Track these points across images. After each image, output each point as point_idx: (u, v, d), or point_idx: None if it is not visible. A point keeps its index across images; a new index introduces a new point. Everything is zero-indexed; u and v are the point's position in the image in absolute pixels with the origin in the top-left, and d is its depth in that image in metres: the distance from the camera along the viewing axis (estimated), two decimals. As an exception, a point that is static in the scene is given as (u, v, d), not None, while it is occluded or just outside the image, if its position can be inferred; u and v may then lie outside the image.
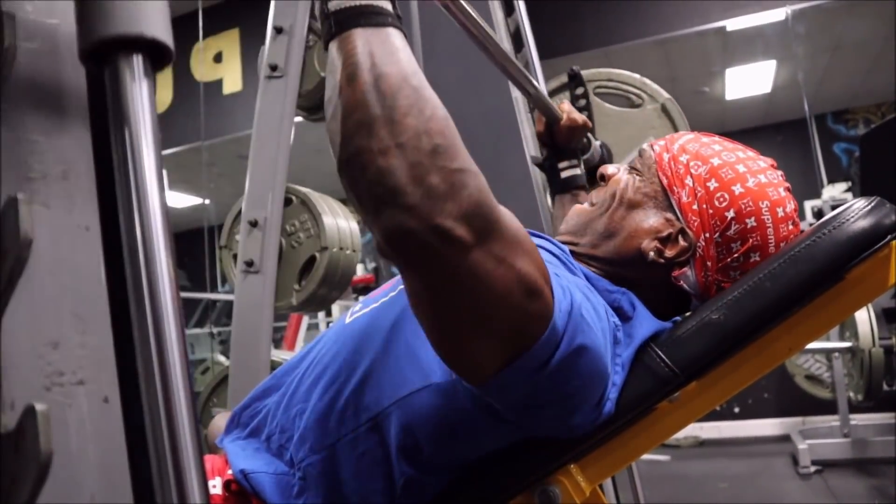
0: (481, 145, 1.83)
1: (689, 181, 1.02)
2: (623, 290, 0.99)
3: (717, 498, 4.04)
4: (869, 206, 0.94)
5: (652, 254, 1.02)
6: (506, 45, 2.00)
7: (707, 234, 1.00)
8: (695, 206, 1.01)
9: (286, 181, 1.75)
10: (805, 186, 5.72)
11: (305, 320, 5.47)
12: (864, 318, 4.07)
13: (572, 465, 0.91)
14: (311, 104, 1.95)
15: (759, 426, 6.23)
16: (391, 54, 0.67)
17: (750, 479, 4.51)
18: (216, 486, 0.94)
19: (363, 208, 0.67)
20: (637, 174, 1.09)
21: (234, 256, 1.81)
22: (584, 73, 1.84)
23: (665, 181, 1.05)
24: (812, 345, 4.36)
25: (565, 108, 1.48)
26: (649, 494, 2.29)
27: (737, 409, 6.42)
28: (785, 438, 5.33)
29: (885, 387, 4.10)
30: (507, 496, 0.91)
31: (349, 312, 1.05)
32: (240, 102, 5.63)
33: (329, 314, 5.94)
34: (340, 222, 1.91)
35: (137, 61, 0.45)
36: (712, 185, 1.01)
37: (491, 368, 0.75)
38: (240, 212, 1.80)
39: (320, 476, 0.90)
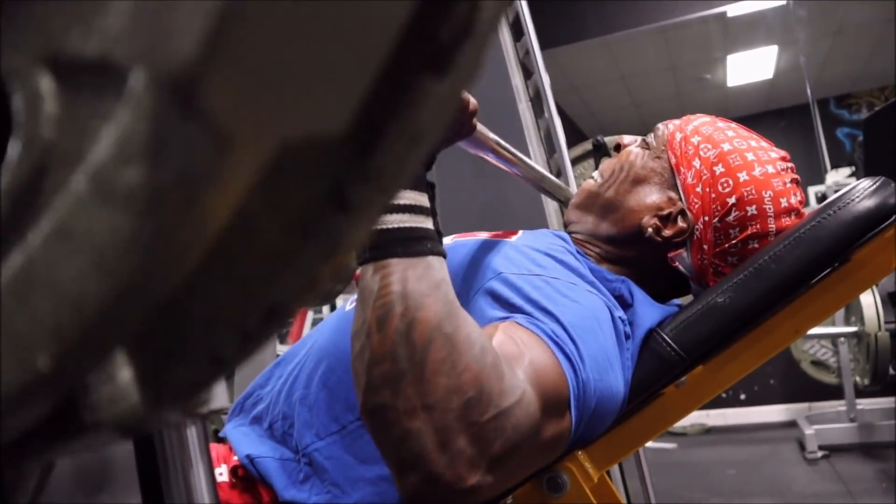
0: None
1: (696, 163, 1.03)
2: (622, 278, 0.98)
3: (724, 484, 4.04)
4: (874, 186, 0.94)
5: (650, 230, 1.02)
6: (507, 36, 1.99)
7: (706, 218, 1.01)
8: (698, 189, 1.01)
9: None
10: (808, 172, 5.71)
11: (310, 314, 5.46)
12: (870, 302, 4.06)
13: (580, 452, 0.90)
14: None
15: (766, 412, 6.22)
16: (428, 295, 0.64)
17: (757, 466, 4.51)
18: (223, 474, 0.94)
19: (386, 459, 0.66)
20: (648, 150, 1.09)
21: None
22: (606, 139, 1.84)
23: (673, 160, 1.05)
24: (817, 330, 4.35)
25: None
26: (657, 482, 2.29)
27: (743, 396, 6.41)
28: (791, 424, 5.34)
29: (892, 371, 4.09)
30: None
31: (349, 300, 1.05)
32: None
33: (333, 308, 5.95)
34: (343, 215, 1.91)
35: None
36: (718, 169, 1.01)
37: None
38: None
39: (325, 462, 0.90)
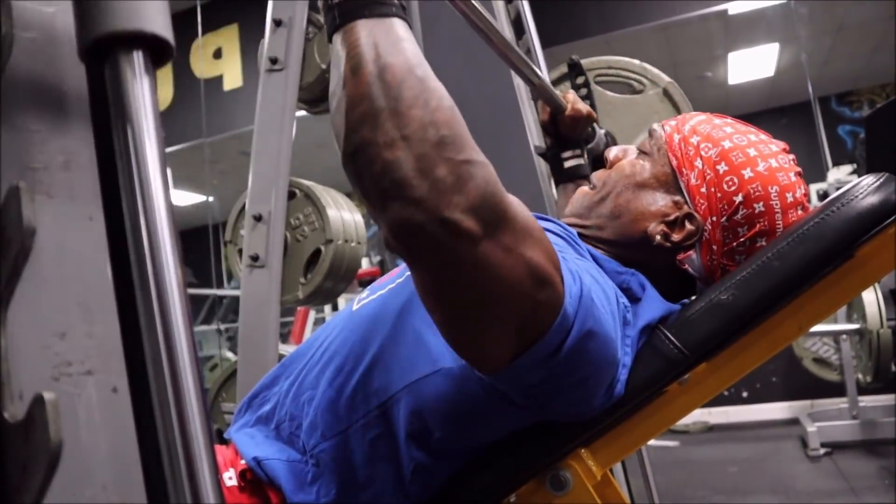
0: (484, 133, 1.82)
1: (698, 163, 1.02)
2: (632, 271, 0.98)
3: (727, 482, 4.04)
4: (877, 183, 0.94)
5: (658, 237, 1.01)
6: (507, 34, 1.99)
7: (714, 218, 1.00)
8: (703, 189, 1.01)
9: (289, 175, 1.75)
10: (810, 169, 5.69)
11: (312, 314, 5.48)
12: (872, 299, 4.06)
13: (583, 450, 0.90)
14: (312, 97, 1.94)
15: (768, 410, 6.22)
16: (395, 45, 0.67)
17: (759, 463, 4.51)
18: (232, 478, 0.94)
19: (369, 202, 0.67)
20: (646, 156, 1.08)
21: (240, 252, 1.81)
22: (583, 61, 1.83)
23: (675, 162, 1.04)
24: (820, 327, 4.35)
25: (569, 97, 1.47)
26: (659, 480, 2.29)
27: (745, 394, 6.41)
28: (794, 422, 5.33)
29: (894, 368, 4.09)
30: (519, 481, 0.91)
31: (356, 300, 1.05)
32: (241, 98, 5.63)
33: (335, 307, 5.95)
34: (345, 215, 1.91)
35: (138, 58, 0.44)
36: (722, 168, 1.00)
37: (503, 358, 0.75)
38: (244, 207, 1.80)
39: (333, 462, 0.90)
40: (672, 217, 1.02)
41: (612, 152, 1.13)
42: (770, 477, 4.05)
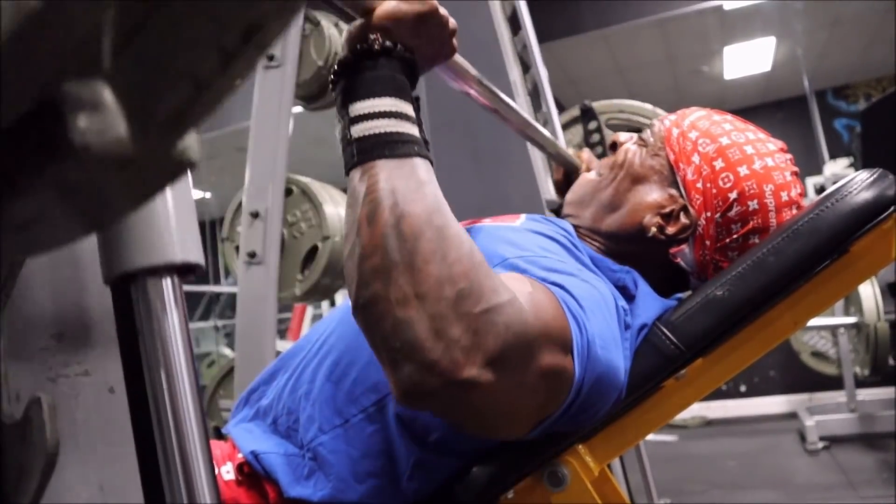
0: (482, 133, 1.83)
1: (695, 158, 1.02)
2: (627, 268, 0.98)
3: (725, 476, 4.05)
4: (871, 178, 0.94)
5: (653, 229, 1.02)
6: (504, 32, 1.98)
7: (708, 214, 1.00)
8: (699, 185, 1.01)
9: (286, 171, 1.75)
10: (807, 163, 5.71)
11: (310, 310, 5.48)
12: (869, 293, 4.07)
13: (580, 446, 0.91)
14: (308, 93, 1.94)
15: (766, 404, 6.23)
16: (415, 191, 0.65)
17: (758, 457, 4.52)
18: (230, 472, 0.94)
19: (379, 357, 0.65)
20: (645, 148, 1.09)
21: (237, 248, 1.81)
22: (594, 105, 1.84)
23: (672, 156, 1.04)
24: (817, 321, 4.36)
25: (584, 157, 1.48)
26: (657, 474, 2.30)
27: (743, 388, 6.43)
28: (792, 415, 5.35)
29: (891, 361, 4.10)
30: (516, 477, 0.91)
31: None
32: (238, 94, 5.59)
33: (333, 304, 5.95)
34: (342, 211, 1.91)
35: (167, 285, 0.42)
36: (718, 164, 1.00)
37: (523, 434, 0.76)
38: (241, 204, 1.80)
39: (330, 456, 0.90)
40: (668, 209, 1.03)
41: (620, 137, 1.14)
42: (768, 471, 4.06)
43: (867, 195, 0.92)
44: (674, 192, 1.04)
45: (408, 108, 0.70)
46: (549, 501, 0.89)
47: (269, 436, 0.97)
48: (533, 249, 0.89)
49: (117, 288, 0.43)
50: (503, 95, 1.07)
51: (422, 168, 0.67)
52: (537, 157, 1.83)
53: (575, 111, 1.91)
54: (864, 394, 4.81)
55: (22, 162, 0.22)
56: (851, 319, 4.30)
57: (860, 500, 3.26)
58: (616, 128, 2.02)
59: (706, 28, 5.41)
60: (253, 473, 0.94)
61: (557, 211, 1.59)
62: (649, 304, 0.96)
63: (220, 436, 1.06)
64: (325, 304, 5.87)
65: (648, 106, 2.05)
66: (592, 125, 1.76)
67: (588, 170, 1.45)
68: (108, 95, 0.21)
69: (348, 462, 0.90)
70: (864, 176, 0.94)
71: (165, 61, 0.22)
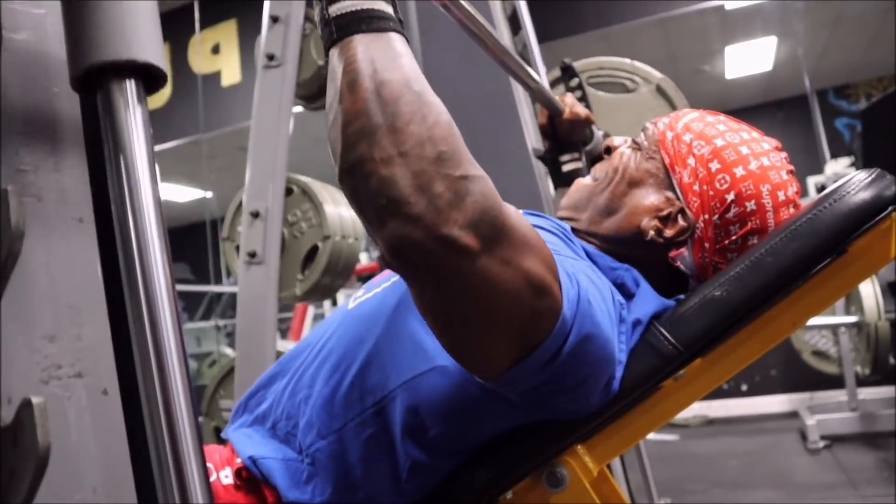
0: (481, 132, 1.82)
1: (691, 161, 1.02)
2: (626, 266, 0.98)
3: (726, 475, 4.05)
4: (869, 178, 0.93)
5: (651, 233, 1.01)
6: (505, 38, 1.98)
7: (706, 216, 1.00)
8: (696, 187, 1.01)
9: (287, 171, 1.75)
10: (808, 162, 5.70)
11: (311, 310, 5.48)
12: (870, 292, 4.07)
13: (579, 446, 0.90)
14: (309, 93, 1.94)
15: (767, 403, 6.23)
16: (393, 60, 0.66)
17: (759, 456, 4.52)
18: (228, 476, 0.94)
19: (366, 219, 0.66)
20: (640, 151, 1.08)
21: (237, 248, 1.81)
22: (574, 64, 1.84)
23: (667, 160, 1.04)
24: (818, 320, 4.36)
25: (568, 101, 1.47)
26: (659, 474, 2.30)
27: (744, 387, 6.42)
28: (793, 415, 5.34)
29: (892, 360, 4.10)
30: (515, 478, 0.91)
31: (352, 297, 1.05)
32: (239, 94, 5.62)
33: (334, 303, 5.95)
34: (342, 211, 1.91)
35: (130, 87, 0.44)
36: (714, 166, 1.00)
37: (502, 366, 0.75)
38: (241, 203, 1.80)
39: (328, 461, 0.90)
40: (665, 212, 1.02)
41: (614, 141, 1.13)
42: (770, 470, 4.06)
43: (865, 195, 0.92)
44: (670, 194, 1.03)
45: None
46: (548, 502, 0.89)
47: (268, 441, 0.97)
48: None
49: (84, 88, 0.45)
50: (484, 20, 1.06)
51: (398, 42, 0.68)
52: (538, 162, 1.83)
53: (556, 71, 1.92)
54: (865, 393, 4.81)
55: None
56: (852, 318, 4.29)
57: (861, 500, 3.26)
58: (597, 85, 2.03)
59: (707, 28, 5.41)
60: (251, 478, 0.94)
61: (542, 158, 1.59)
62: (647, 301, 0.96)
63: (219, 437, 1.06)
64: (326, 303, 5.87)
65: (627, 60, 2.07)
66: (574, 82, 1.78)
67: (572, 113, 1.45)
68: None
69: (346, 466, 0.90)
70: (862, 176, 0.94)
71: None
